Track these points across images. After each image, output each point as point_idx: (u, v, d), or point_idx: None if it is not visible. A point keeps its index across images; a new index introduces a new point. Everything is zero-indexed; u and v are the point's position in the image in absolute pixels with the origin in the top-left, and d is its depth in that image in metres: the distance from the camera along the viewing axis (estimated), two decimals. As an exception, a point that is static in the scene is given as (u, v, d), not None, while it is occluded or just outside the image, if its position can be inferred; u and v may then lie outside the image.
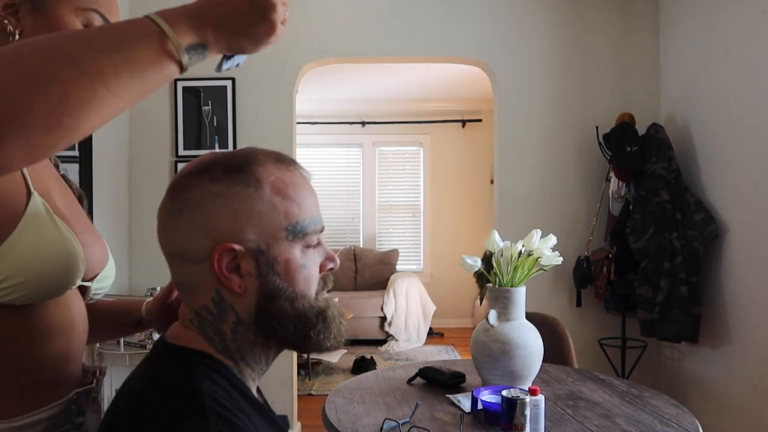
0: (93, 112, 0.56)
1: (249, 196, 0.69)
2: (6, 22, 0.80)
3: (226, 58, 0.71)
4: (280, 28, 0.66)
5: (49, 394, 0.82)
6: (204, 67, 3.30)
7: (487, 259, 1.76)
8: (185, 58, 0.61)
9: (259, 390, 0.80)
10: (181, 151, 3.21)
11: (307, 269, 0.72)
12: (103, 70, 0.56)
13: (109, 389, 2.19)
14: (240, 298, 0.70)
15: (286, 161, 0.74)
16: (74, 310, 0.87)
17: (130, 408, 0.66)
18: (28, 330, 0.79)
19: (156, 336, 2.56)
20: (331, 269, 0.76)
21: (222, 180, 0.69)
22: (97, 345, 2.62)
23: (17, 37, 0.80)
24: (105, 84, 0.56)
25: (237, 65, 0.72)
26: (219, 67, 0.71)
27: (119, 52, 0.57)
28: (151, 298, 1.05)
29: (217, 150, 3.21)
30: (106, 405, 0.84)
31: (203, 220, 0.69)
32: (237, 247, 0.68)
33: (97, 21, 0.84)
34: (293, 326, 0.71)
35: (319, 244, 0.75)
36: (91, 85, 0.55)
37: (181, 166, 3.22)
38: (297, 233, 0.71)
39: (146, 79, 0.59)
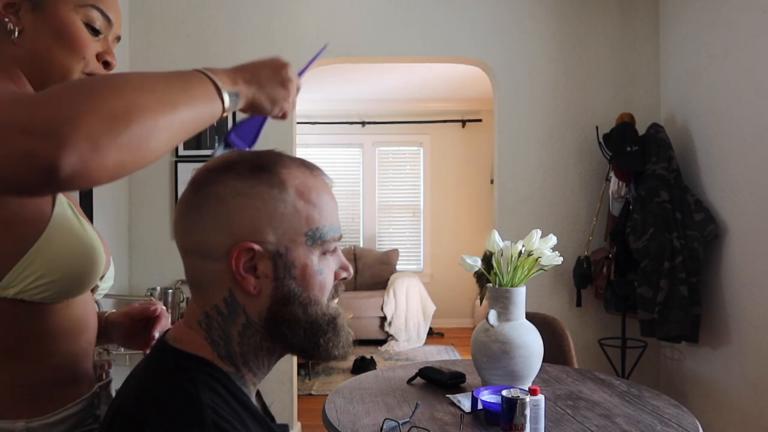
0: (167, 138, 0.62)
1: (272, 197, 0.69)
2: (7, 20, 0.81)
3: (226, 146, 0.83)
4: (289, 105, 0.80)
5: (72, 391, 0.85)
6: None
7: (487, 259, 1.76)
8: (226, 99, 0.69)
9: (259, 394, 0.80)
10: (181, 151, 3.21)
11: (323, 276, 0.72)
12: (178, 105, 0.63)
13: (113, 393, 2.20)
14: (253, 299, 0.69)
15: (310, 166, 0.74)
16: (90, 308, 0.91)
17: (130, 414, 0.66)
18: (53, 328, 0.82)
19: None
20: (345, 278, 0.76)
21: (247, 178, 0.69)
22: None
23: (17, 34, 0.82)
24: (180, 116, 0.63)
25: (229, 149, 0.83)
26: (214, 152, 0.81)
27: (186, 90, 0.66)
28: (113, 311, 1.06)
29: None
30: None
31: (224, 217, 0.68)
32: (256, 247, 0.68)
33: (97, 17, 0.86)
34: (304, 332, 0.71)
35: (335, 251, 0.75)
36: (171, 116, 0.62)
37: (181, 166, 3.22)
38: (316, 239, 0.71)
39: (201, 115, 0.67)
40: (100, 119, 0.55)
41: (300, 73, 0.84)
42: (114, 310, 1.07)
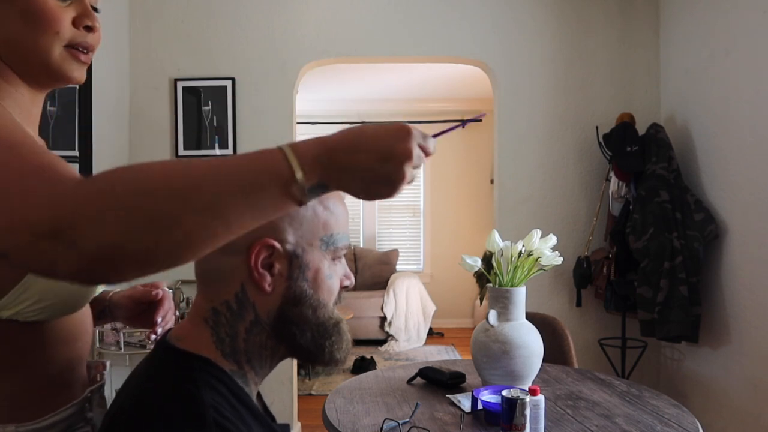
0: (209, 248, 0.57)
1: None
2: None
3: None
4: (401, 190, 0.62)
5: (64, 396, 0.84)
6: (204, 67, 3.29)
7: (487, 259, 1.76)
8: (306, 200, 0.59)
9: (259, 395, 0.81)
10: (181, 151, 3.21)
11: (332, 281, 0.75)
12: (229, 215, 0.56)
13: (109, 389, 2.21)
14: (264, 297, 0.71)
15: None
16: (85, 315, 0.90)
17: (130, 414, 0.66)
18: (47, 338, 0.82)
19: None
20: (346, 287, 0.78)
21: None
22: (97, 344, 2.62)
23: None
24: (228, 227, 0.56)
25: None
26: None
27: (246, 195, 0.56)
28: (117, 291, 1.04)
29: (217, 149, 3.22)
30: (108, 401, 0.86)
31: None
32: (277, 245, 0.70)
33: None
34: (311, 334, 0.72)
35: (341, 259, 0.77)
36: (214, 229, 0.56)
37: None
38: (330, 245, 0.74)
39: (265, 216, 0.59)
40: (128, 238, 0.53)
41: (435, 135, 0.68)
42: (117, 290, 1.05)
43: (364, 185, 0.60)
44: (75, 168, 2.63)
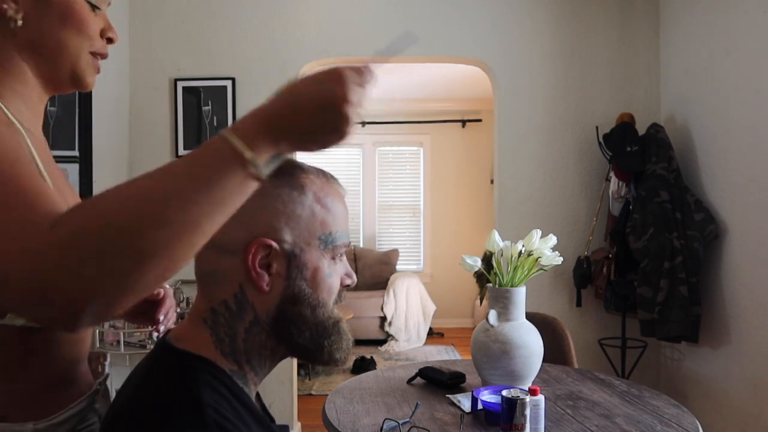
0: (192, 256, 0.58)
1: (292, 199, 0.71)
2: (6, 7, 0.76)
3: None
4: (351, 132, 0.63)
5: (72, 391, 0.86)
6: (204, 67, 3.28)
7: (487, 259, 1.76)
8: (264, 173, 0.61)
9: (258, 396, 0.81)
10: (181, 151, 3.21)
11: (332, 279, 0.75)
12: (201, 220, 0.57)
13: (109, 382, 2.21)
14: (263, 297, 0.71)
15: (327, 174, 0.77)
16: None
17: (131, 414, 0.66)
18: (57, 339, 0.82)
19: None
20: (348, 285, 0.78)
21: (269, 179, 0.69)
22: (98, 344, 2.62)
23: (19, 22, 0.77)
24: (202, 232, 0.58)
25: None
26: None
27: (210, 194, 0.57)
28: None
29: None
30: (110, 394, 0.88)
31: (245, 213, 0.68)
32: (274, 244, 0.70)
33: None
34: (310, 333, 0.72)
35: (342, 258, 0.77)
36: (192, 239, 0.57)
37: (181, 166, 3.22)
38: (328, 243, 0.73)
39: (234, 206, 0.60)
40: (110, 282, 0.54)
41: (370, 63, 0.68)
42: None
43: (313, 139, 0.62)
44: (74, 169, 2.63)
